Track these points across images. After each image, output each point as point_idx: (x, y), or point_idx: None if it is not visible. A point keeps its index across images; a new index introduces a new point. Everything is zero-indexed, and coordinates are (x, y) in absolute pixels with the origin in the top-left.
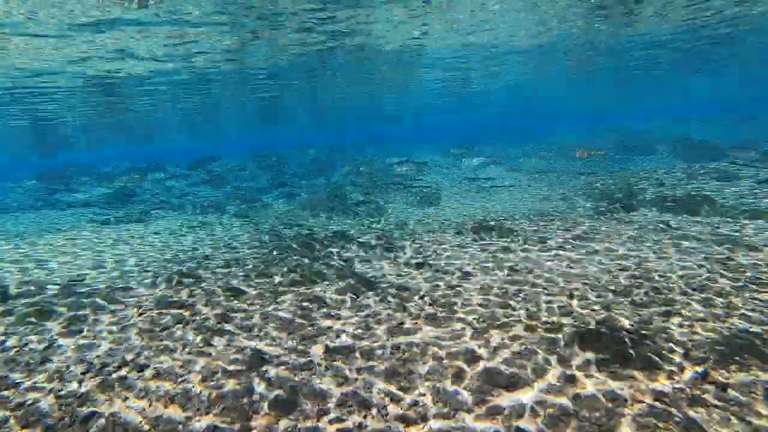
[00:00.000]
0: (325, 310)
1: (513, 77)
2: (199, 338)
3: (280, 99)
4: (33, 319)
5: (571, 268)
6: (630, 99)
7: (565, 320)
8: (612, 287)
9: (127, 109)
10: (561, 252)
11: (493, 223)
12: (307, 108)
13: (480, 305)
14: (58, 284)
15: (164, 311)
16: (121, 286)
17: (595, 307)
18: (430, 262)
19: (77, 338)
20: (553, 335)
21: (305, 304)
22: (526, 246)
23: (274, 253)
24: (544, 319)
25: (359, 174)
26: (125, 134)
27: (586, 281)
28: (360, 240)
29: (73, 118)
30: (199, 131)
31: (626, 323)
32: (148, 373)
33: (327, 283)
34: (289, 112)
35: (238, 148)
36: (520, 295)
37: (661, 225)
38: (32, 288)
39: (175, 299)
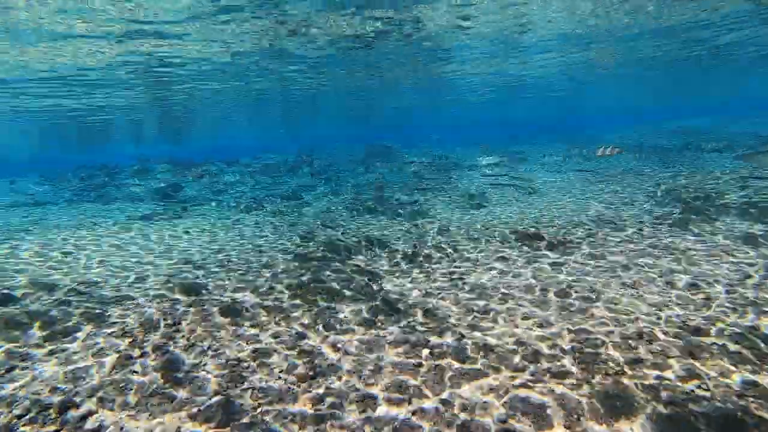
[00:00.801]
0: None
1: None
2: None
3: (327, 95)
4: None
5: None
6: (674, 95)
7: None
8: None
9: (178, 103)
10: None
11: (548, 232)
12: (355, 106)
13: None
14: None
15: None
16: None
17: None
18: (468, 281)
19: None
20: None
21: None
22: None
23: (298, 264)
24: None
25: (404, 173)
26: (167, 132)
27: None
28: (397, 248)
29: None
30: (248, 128)
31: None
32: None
33: (347, 303)
34: (337, 108)
35: (283, 145)
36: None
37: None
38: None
39: (160, 318)
